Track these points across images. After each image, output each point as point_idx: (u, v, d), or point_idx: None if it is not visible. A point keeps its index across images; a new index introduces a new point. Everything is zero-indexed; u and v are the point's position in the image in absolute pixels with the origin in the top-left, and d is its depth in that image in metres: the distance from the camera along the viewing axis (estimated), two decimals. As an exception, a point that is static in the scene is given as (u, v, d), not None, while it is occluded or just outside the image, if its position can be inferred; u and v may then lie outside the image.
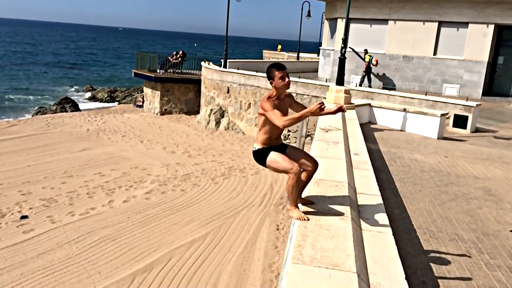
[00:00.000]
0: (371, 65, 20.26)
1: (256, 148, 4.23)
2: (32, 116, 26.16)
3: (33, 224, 9.84)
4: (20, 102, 33.34)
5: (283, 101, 4.19)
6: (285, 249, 7.80)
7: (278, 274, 7.95)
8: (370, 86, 19.13)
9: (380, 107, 12.54)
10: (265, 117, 3.97)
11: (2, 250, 8.56)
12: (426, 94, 13.69)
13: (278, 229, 10.09)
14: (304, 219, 3.98)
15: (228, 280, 7.87)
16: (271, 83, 4.05)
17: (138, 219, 10.33)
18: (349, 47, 19.14)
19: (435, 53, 20.25)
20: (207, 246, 9.18)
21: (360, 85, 19.29)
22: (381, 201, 4.94)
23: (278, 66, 4.03)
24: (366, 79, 20.30)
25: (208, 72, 21.84)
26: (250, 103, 19.26)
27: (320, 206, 4.44)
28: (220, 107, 20.86)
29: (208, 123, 20.94)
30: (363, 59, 20.38)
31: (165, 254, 8.72)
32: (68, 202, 11.23)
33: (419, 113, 11.67)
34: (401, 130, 11.92)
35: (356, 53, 20.80)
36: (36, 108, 28.91)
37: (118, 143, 17.88)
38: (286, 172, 3.99)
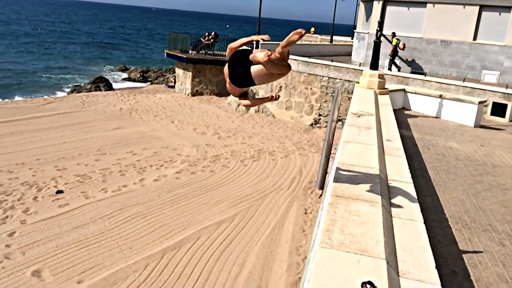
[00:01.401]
0: (398, 49, 19.71)
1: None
2: (68, 94, 26.86)
3: (68, 199, 10.18)
4: (56, 80, 34.21)
5: None
6: (312, 233, 7.81)
7: (305, 257, 7.98)
8: (398, 70, 18.66)
9: (415, 93, 12.23)
10: None
11: (39, 223, 8.91)
12: (463, 81, 13.27)
13: (306, 213, 10.09)
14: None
15: (255, 261, 7.96)
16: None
17: (168, 198, 10.52)
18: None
19: (474, 38, 19.51)
20: (235, 227, 9.28)
21: (390, 69, 18.84)
22: (413, 189, 4.85)
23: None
24: (393, 63, 19.80)
25: (240, 54, 21.76)
26: (281, 86, 19.14)
27: (350, 192, 4.39)
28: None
29: (238, 105, 20.96)
30: (390, 42, 19.83)
31: (194, 233, 8.87)
32: (101, 179, 11.54)
33: (456, 100, 11.33)
34: (436, 117, 11.62)
35: (384, 36, 20.29)
36: (72, 86, 29.62)
37: (150, 122, 18.15)
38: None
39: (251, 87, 3.96)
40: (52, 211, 9.51)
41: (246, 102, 4.01)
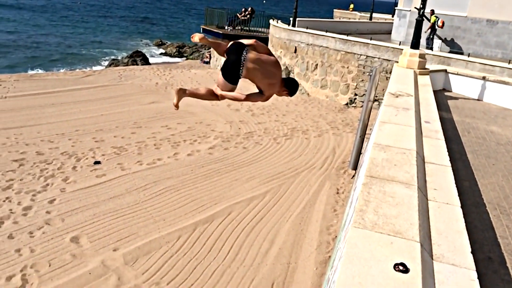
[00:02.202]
0: (436, 27, 18.92)
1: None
2: (106, 67, 27.38)
3: (105, 169, 10.48)
4: (95, 54, 34.91)
5: None
6: (344, 213, 7.78)
7: (336, 236, 7.97)
8: (431, 49, 17.97)
9: (457, 74, 11.79)
10: None
11: (78, 191, 9.24)
12: (509, 63, 12.67)
13: (338, 192, 10.03)
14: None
15: (285, 238, 8.02)
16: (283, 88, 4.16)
17: (201, 173, 10.67)
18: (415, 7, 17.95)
19: (523, 18, 18.50)
20: (266, 203, 9.35)
21: (431, 49, 18.18)
22: (450, 172, 4.72)
23: (293, 92, 4.17)
24: (432, 41, 19.05)
25: (276, 30, 21.52)
26: (317, 64, 18.86)
27: (385, 173, 4.32)
28: (286, 67, 20.62)
29: (273, 83, 20.83)
30: (428, 20, 19.03)
31: (226, 208, 8.99)
32: (136, 151, 11.80)
33: (500, 82, 10.86)
34: (478, 100, 11.20)
35: (423, 14, 19.49)
36: (109, 60, 30.16)
37: (185, 98, 18.31)
38: None
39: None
40: (90, 180, 9.83)
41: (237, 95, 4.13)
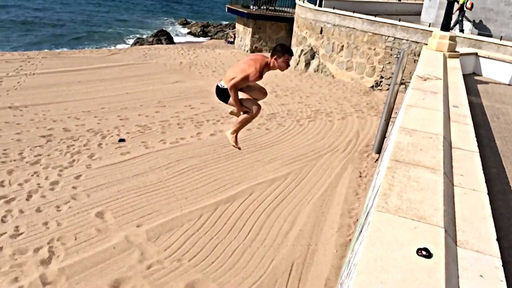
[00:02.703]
0: (465, 9, 18.25)
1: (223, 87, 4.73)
2: (131, 46, 27.55)
3: (129, 147, 10.64)
4: (120, 32, 35.14)
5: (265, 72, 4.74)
6: (366, 197, 7.72)
7: (357, 220, 7.94)
8: (462, 31, 17.39)
9: (488, 58, 11.42)
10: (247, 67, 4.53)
11: (103, 168, 9.42)
12: (544, 46, 12.18)
13: (360, 176, 9.95)
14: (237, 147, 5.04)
15: (306, 220, 8.03)
16: (275, 59, 4.60)
17: (224, 153, 10.72)
18: None
19: (562, 0, 17.71)
20: (287, 185, 9.35)
21: (461, 31, 17.60)
22: (478, 158, 4.61)
23: (291, 52, 4.70)
24: (462, 24, 18.42)
25: (302, 10, 21.18)
26: (343, 45, 18.54)
27: (411, 157, 4.24)
28: (312, 48, 20.35)
29: (297, 64, 20.63)
30: (457, 2, 18.36)
31: (247, 188, 9.04)
32: (160, 130, 11.92)
33: (533, 67, 10.48)
34: (509, 85, 10.84)
35: None
36: (134, 38, 30.32)
37: (208, 78, 18.33)
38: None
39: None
40: (115, 158, 10.00)
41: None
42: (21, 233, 6.95)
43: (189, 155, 10.46)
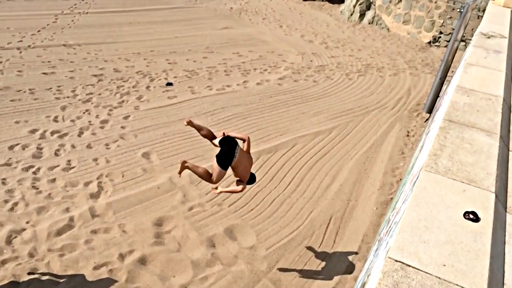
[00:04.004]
0: None
1: None
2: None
3: (176, 91, 10.76)
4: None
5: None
6: (412, 157, 7.51)
7: (400, 179, 7.79)
8: None
9: (562, 16, 10.45)
10: None
11: (150, 110, 9.62)
12: None
13: (408, 135, 9.66)
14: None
15: (347, 176, 7.96)
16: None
17: (269, 103, 10.65)
18: None
19: None
20: (331, 139, 9.23)
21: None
22: (540, 124, 4.32)
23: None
24: None
25: (361, -43, 19.99)
26: (401, -3, 17.51)
27: (466, 119, 4.04)
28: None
29: (351, 15, 19.78)
30: None
31: (290, 140, 9.01)
32: (207, 76, 11.93)
33: None
34: None
35: None
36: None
37: (258, 25, 17.97)
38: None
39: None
40: (162, 101, 10.16)
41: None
42: (73, 167, 7.31)
43: (235, 103, 10.47)
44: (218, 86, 11.35)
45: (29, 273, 5.04)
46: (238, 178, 5.15)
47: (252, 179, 5.24)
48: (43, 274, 5.07)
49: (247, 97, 10.85)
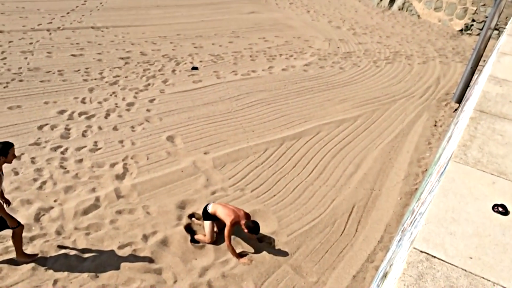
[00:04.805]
0: None
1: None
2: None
3: (202, 76, 10.78)
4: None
5: None
6: (439, 147, 7.36)
7: (426, 170, 7.65)
8: None
9: None
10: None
11: (175, 94, 9.68)
12: None
13: (435, 125, 9.46)
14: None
15: (372, 165, 7.86)
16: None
17: (294, 89, 10.57)
18: None
19: None
20: (356, 127, 9.12)
21: None
22: None
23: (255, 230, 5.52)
24: None
25: None
26: (433, -17, 17.01)
27: (498, 109, 3.91)
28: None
29: (381, 0, 19.35)
30: None
31: (315, 127, 8.94)
32: (232, 61, 11.91)
33: None
34: None
35: None
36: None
37: (285, 10, 17.78)
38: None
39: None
40: (187, 85, 10.21)
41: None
42: (99, 148, 7.44)
43: (259, 88, 10.43)
44: (243, 71, 11.32)
45: (56, 250, 5.19)
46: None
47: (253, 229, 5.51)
48: (70, 251, 5.21)
49: (272, 83, 10.79)
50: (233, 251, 5.42)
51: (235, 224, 5.40)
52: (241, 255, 5.48)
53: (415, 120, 9.64)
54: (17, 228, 4.71)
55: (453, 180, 2.78)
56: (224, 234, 5.41)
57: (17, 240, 4.81)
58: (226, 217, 5.43)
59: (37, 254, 5.07)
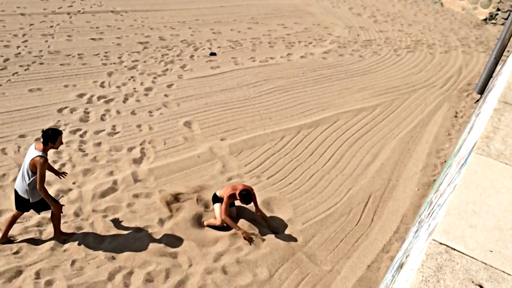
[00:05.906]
0: None
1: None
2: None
3: (220, 62, 10.74)
4: None
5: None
6: (459, 138, 7.23)
7: (445, 161, 7.54)
8: None
9: None
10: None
11: (193, 80, 9.68)
12: None
13: (456, 116, 9.29)
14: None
15: (389, 155, 7.78)
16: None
17: (312, 77, 10.48)
18: None
19: None
20: (375, 117, 9.02)
21: None
22: None
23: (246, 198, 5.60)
24: None
25: None
26: (458, -30, 16.57)
27: (523, 100, 3.81)
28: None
29: (402, -12, 18.94)
30: None
31: (332, 116, 8.86)
32: (251, 47, 11.83)
33: None
34: None
35: None
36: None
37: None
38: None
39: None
40: (205, 71, 10.19)
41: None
42: (118, 132, 7.51)
43: (277, 75, 10.36)
44: (261, 57, 11.25)
45: (74, 231, 5.28)
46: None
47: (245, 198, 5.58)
48: (87, 233, 5.29)
49: (290, 70, 10.71)
50: (231, 222, 5.50)
51: (231, 196, 5.53)
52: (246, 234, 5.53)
53: (435, 111, 9.48)
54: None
55: (474, 172, 2.72)
56: (221, 207, 5.56)
57: (56, 219, 4.98)
58: (225, 192, 5.60)
59: (74, 233, 5.20)
